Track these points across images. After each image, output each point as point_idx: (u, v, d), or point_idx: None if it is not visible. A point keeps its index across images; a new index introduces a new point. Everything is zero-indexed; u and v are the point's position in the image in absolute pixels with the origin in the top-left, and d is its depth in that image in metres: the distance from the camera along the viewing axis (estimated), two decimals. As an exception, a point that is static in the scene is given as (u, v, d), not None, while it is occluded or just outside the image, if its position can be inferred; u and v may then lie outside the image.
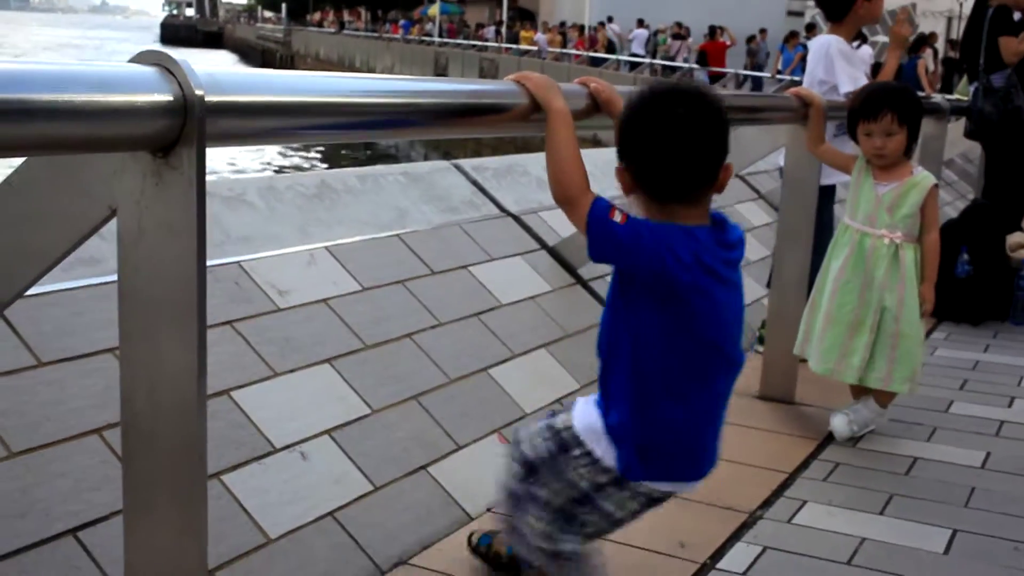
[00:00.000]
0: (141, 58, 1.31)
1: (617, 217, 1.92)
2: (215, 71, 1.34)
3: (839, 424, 3.61)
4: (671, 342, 1.98)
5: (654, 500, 2.13)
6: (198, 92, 1.27)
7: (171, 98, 1.27)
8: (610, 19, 31.50)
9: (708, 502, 3.01)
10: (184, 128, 1.27)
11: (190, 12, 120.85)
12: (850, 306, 3.58)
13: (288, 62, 57.58)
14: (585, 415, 2.10)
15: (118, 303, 1.39)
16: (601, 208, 1.95)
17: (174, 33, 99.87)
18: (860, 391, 3.69)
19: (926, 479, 3.31)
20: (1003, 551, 2.82)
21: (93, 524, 2.15)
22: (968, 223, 5.77)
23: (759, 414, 3.86)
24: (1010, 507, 3.11)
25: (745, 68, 25.21)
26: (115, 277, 2.56)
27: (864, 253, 3.57)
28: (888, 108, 3.50)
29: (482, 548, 2.54)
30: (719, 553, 2.73)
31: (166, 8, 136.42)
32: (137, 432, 1.40)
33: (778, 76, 22.55)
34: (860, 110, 3.58)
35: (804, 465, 3.38)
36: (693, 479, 2.12)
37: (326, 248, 3.35)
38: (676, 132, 1.92)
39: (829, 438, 3.63)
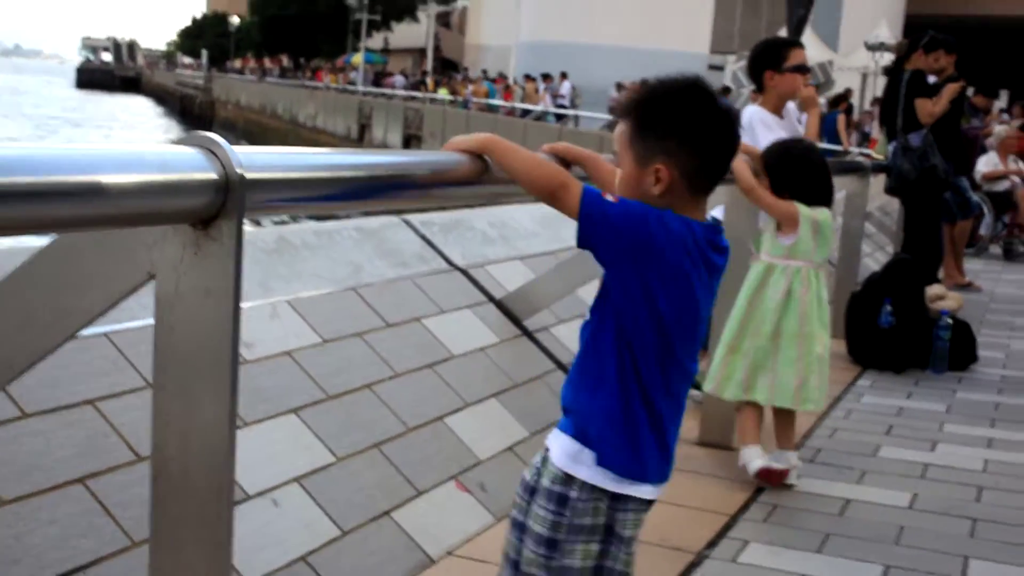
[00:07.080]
0: (186, 140, 1.45)
1: (609, 198, 1.96)
2: (251, 151, 1.48)
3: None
4: (647, 329, 1.98)
5: (612, 528, 2.06)
6: (238, 171, 1.42)
7: (215, 177, 1.41)
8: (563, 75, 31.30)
9: (656, 543, 3.17)
10: (225, 204, 1.41)
11: (108, 57, 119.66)
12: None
13: (208, 108, 57.30)
14: (562, 445, 2.03)
15: (153, 359, 1.52)
16: (593, 191, 1.98)
17: (90, 78, 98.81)
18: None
19: (858, 519, 3.52)
20: (932, 586, 3.02)
21: (83, 569, 2.24)
22: (891, 276, 6.05)
23: (699, 459, 4.04)
24: (937, 544, 3.32)
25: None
26: (95, 331, 2.70)
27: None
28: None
29: None
30: (671, 591, 2.89)
31: (82, 53, 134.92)
32: (167, 477, 1.52)
33: None
34: None
35: (744, 507, 3.56)
36: (661, 480, 2.08)
37: (287, 302, 3.47)
38: (727, 121, 2.02)
39: (766, 482, 3.82)
